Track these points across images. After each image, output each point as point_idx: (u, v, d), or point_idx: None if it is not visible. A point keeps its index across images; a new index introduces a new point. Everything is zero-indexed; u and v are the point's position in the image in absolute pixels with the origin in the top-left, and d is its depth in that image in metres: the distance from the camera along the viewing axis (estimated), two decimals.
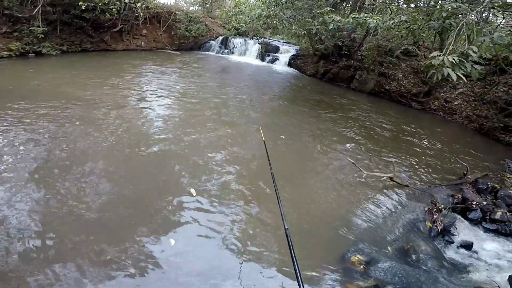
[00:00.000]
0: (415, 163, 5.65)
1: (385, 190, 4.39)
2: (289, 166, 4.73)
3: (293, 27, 8.93)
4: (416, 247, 3.34)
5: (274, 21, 10.60)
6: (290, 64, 15.35)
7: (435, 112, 10.07)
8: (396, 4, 7.68)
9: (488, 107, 8.89)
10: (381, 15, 6.99)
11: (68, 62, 10.09)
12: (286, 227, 1.21)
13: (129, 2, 11.58)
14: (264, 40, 16.53)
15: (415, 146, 6.65)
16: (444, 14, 4.57)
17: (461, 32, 4.26)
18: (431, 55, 4.03)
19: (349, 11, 10.62)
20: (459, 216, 4.00)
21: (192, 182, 3.88)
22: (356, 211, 3.80)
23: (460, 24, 4.22)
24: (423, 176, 5.14)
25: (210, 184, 3.90)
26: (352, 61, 12.22)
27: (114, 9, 11.18)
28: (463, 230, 3.75)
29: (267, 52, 15.84)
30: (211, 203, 3.55)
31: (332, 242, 3.27)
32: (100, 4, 10.43)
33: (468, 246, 3.55)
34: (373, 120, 7.92)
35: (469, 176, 5.17)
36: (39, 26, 10.12)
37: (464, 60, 3.89)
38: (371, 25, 6.20)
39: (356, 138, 6.37)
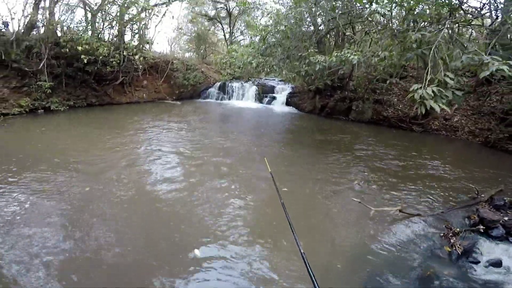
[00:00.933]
0: (425, 189, 5.30)
1: (396, 223, 4.18)
2: (296, 213, 4.38)
3: (283, 72, 9.25)
4: (437, 273, 3.23)
5: (265, 68, 11.12)
6: (287, 103, 15.45)
7: (437, 132, 9.56)
8: (374, 34, 7.82)
9: (488, 118, 8.49)
10: (361, 48, 7.14)
11: (75, 118, 10.59)
12: (302, 251, 1.17)
13: (127, 54, 12.46)
14: (260, 81, 17.07)
15: (422, 171, 6.26)
16: (414, 45, 4.62)
17: (435, 59, 4.21)
18: (412, 88, 4.04)
19: (333, 43, 10.98)
20: (480, 236, 3.87)
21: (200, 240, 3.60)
22: (369, 246, 3.66)
23: (431, 52, 4.18)
24: (435, 202, 4.84)
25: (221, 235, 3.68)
26: (346, 92, 12.16)
27: (114, 62, 12.00)
28: (489, 249, 3.66)
29: (264, 93, 16.19)
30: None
31: (348, 279, 3.14)
32: (100, 57, 11.23)
33: (497, 263, 3.42)
34: (376, 151, 7.50)
35: (482, 195, 4.82)
36: (45, 81, 10.85)
37: (442, 90, 3.84)
38: (353, 62, 6.28)
39: (362, 173, 5.96)
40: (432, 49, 4.36)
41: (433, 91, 3.79)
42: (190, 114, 12.30)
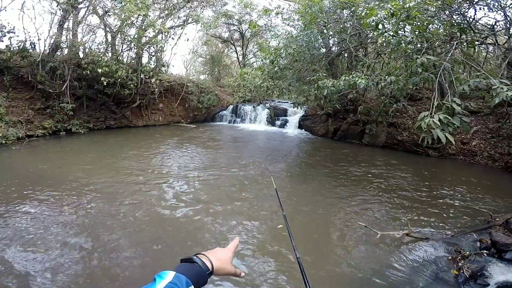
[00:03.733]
0: (436, 213, 5.12)
1: (402, 247, 4.05)
2: (300, 235, 4.40)
3: (293, 95, 9.31)
4: None
5: (275, 91, 11.25)
6: (300, 126, 15.30)
7: (454, 157, 9.06)
8: (385, 56, 7.75)
9: (509, 142, 8.02)
10: (372, 71, 7.09)
11: (95, 141, 11.02)
12: (298, 256, 1.17)
13: (144, 77, 13.04)
14: (272, 103, 17.17)
15: (435, 195, 6.00)
16: (419, 70, 4.53)
17: (443, 83, 4.10)
18: (419, 116, 3.96)
19: (346, 65, 10.95)
20: (491, 259, 3.68)
21: None
22: (373, 269, 3.55)
23: (438, 76, 4.08)
24: (446, 226, 4.66)
25: None
26: (359, 116, 11.90)
27: (132, 85, 12.55)
28: (500, 272, 3.45)
29: (276, 116, 16.21)
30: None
31: None
32: (119, 80, 11.77)
33: (507, 286, 3.25)
34: (390, 177, 7.18)
35: (497, 219, 4.55)
36: (68, 102, 11.43)
37: (449, 118, 3.75)
38: (361, 86, 6.25)
39: (375, 200, 5.77)
40: (439, 73, 4.23)
41: (439, 119, 3.68)
42: (205, 138, 12.39)
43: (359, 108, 11.39)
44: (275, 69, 9.31)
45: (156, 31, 12.66)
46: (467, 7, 4.42)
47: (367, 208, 5.24)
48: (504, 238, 3.89)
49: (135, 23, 12.13)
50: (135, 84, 12.85)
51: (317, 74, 7.65)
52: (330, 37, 8.50)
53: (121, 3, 10.94)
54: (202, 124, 16.31)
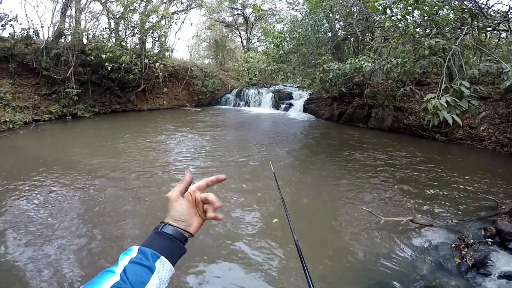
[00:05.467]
0: (441, 200, 5.05)
1: (406, 233, 4.03)
2: (303, 220, 4.45)
3: (298, 79, 9.13)
4: (443, 284, 3.11)
5: (279, 75, 11.03)
6: (305, 109, 15.24)
7: (461, 142, 8.97)
8: (392, 41, 7.52)
9: None
10: (377, 56, 6.92)
11: (101, 125, 11.21)
12: (296, 238, 1.10)
13: (148, 62, 12.93)
14: (276, 87, 17.01)
15: (441, 181, 5.90)
16: (426, 52, 4.42)
17: (452, 67, 3.98)
18: (426, 98, 3.86)
19: (352, 50, 10.70)
20: (495, 247, 3.63)
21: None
22: (376, 255, 3.58)
23: (446, 60, 3.97)
24: (451, 213, 4.61)
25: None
26: (365, 99, 11.77)
27: (136, 69, 12.48)
28: (503, 261, 3.42)
29: (281, 99, 16.10)
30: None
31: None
32: (123, 65, 11.73)
33: (510, 276, 3.19)
34: (395, 161, 7.14)
35: (503, 207, 4.46)
36: (73, 88, 11.49)
37: (457, 100, 3.65)
38: (367, 69, 6.10)
39: (379, 185, 5.73)
40: (448, 57, 4.13)
41: (447, 101, 3.59)
42: (209, 121, 12.45)
43: (365, 91, 11.23)
44: (280, 52, 9.14)
45: (160, 16, 12.48)
46: None
47: (371, 193, 5.25)
48: (509, 226, 3.82)
49: (138, 9, 11.94)
50: (140, 69, 12.78)
51: (323, 58, 7.50)
52: (336, 21, 8.25)
53: None
54: (206, 108, 16.31)
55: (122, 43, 12.61)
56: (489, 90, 9.07)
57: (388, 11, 5.35)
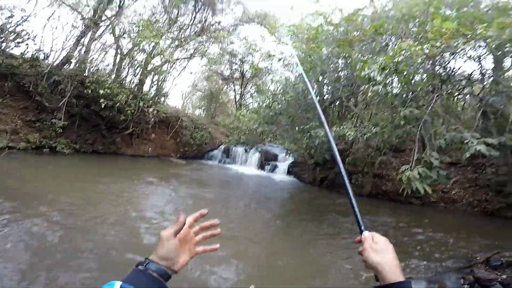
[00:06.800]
0: (420, 255, 5.27)
1: None
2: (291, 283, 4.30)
3: (286, 143, 9.70)
4: None
5: (269, 137, 11.62)
6: (289, 172, 15.46)
7: (436, 204, 9.63)
8: (373, 107, 8.50)
9: (486, 190, 8.78)
10: (359, 123, 7.66)
11: (78, 162, 10.75)
12: None
13: (143, 105, 13.23)
14: (263, 147, 17.46)
15: (418, 239, 6.24)
16: (402, 122, 5.06)
17: (423, 137, 4.58)
18: (401, 169, 4.42)
19: (337, 114, 11.68)
20: None
21: None
22: None
23: (418, 129, 4.62)
24: (429, 267, 4.78)
25: None
26: (347, 166, 12.28)
27: (129, 111, 12.64)
28: None
29: (267, 160, 16.38)
30: None
31: None
32: (118, 104, 11.91)
33: None
34: (375, 224, 7.37)
35: (478, 257, 4.83)
36: (61, 119, 11.28)
37: (428, 171, 4.16)
38: (350, 138, 6.67)
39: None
40: (420, 126, 4.67)
41: (419, 173, 4.04)
42: (193, 176, 12.09)
43: (347, 159, 11.84)
44: (271, 113, 9.78)
45: (164, 60, 13.17)
46: (449, 58, 5.13)
47: (353, 253, 5.15)
48: (486, 274, 4.10)
49: (146, 49, 12.71)
50: (132, 111, 12.96)
51: (310, 123, 8.05)
52: (325, 85, 9.28)
53: (138, 27, 11.59)
54: (191, 161, 16.19)
55: (122, 81, 13.02)
56: (457, 156, 9.91)
57: (372, 78, 6.17)
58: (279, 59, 10.26)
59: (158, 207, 6.86)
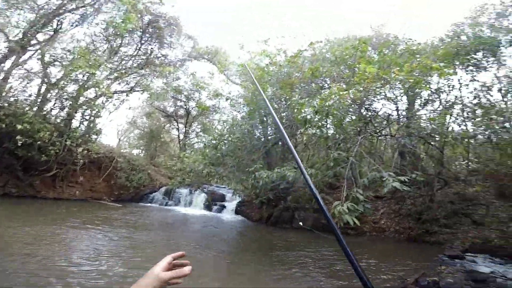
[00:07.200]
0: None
1: None
2: None
3: (232, 184, 9.71)
4: None
5: (215, 178, 11.43)
6: (237, 211, 15.39)
7: (369, 234, 10.91)
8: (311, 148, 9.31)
9: (408, 219, 10.37)
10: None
11: None
12: None
13: (70, 144, 11.60)
14: (210, 188, 16.89)
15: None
16: (331, 164, 5.82)
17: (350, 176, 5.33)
18: (334, 205, 4.97)
19: (280, 154, 12.28)
20: None
21: None
22: None
23: (347, 170, 5.37)
24: None
25: None
26: (290, 203, 12.88)
27: (52, 151, 10.97)
28: None
29: (214, 201, 15.93)
30: None
31: None
32: (39, 142, 10.31)
33: None
34: (317, 256, 7.89)
35: (408, 279, 5.46)
36: None
37: (355, 205, 4.84)
38: (289, 178, 7.18)
39: (303, 277, 6.16)
40: (348, 168, 5.45)
41: (348, 207, 4.66)
42: (129, 219, 10.92)
43: (289, 197, 12.41)
44: (218, 154, 9.76)
45: (99, 92, 11.91)
46: (372, 100, 6.10)
47: (298, 283, 5.58)
48: None
49: (79, 80, 11.38)
50: (57, 151, 11.26)
51: (255, 165, 8.32)
52: (269, 126, 9.85)
53: (73, 54, 10.51)
54: (128, 204, 14.66)
55: (46, 115, 11.35)
56: (382, 191, 11.44)
57: (308, 120, 6.86)
58: (227, 99, 10.51)
59: (80, 251, 6.06)
